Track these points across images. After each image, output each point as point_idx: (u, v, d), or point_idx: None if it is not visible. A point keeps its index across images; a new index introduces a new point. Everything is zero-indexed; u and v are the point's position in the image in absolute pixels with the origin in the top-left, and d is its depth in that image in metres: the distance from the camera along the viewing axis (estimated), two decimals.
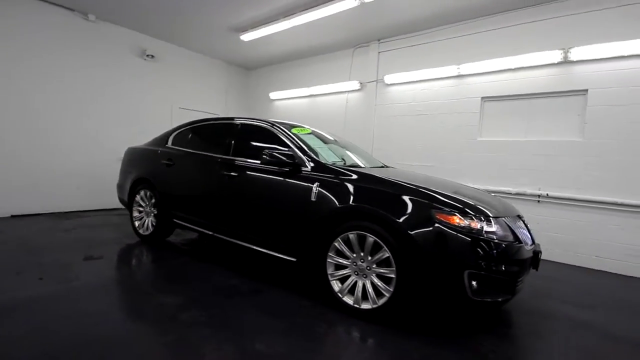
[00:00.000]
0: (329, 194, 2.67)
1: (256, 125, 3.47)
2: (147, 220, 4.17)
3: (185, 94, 7.37)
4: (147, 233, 4.13)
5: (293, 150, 3.01)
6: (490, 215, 2.30)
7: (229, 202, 3.30)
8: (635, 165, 3.90)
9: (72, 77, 5.74)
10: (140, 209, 4.26)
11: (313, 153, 3.00)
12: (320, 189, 2.72)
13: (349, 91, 6.56)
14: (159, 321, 2.27)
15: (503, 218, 2.39)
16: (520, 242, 2.37)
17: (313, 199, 2.72)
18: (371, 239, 2.42)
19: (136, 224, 4.28)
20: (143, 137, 6.59)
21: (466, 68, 5.01)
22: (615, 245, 3.99)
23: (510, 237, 2.33)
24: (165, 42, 6.90)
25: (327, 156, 3.13)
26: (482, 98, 4.97)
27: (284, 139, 3.18)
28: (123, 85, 6.35)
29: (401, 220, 2.31)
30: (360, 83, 6.30)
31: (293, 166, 2.91)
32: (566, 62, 4.26)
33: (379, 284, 2.40)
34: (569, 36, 4.20)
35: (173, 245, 4.16)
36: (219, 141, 3.65)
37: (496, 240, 2.22)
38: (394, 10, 5.01)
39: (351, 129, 6.42)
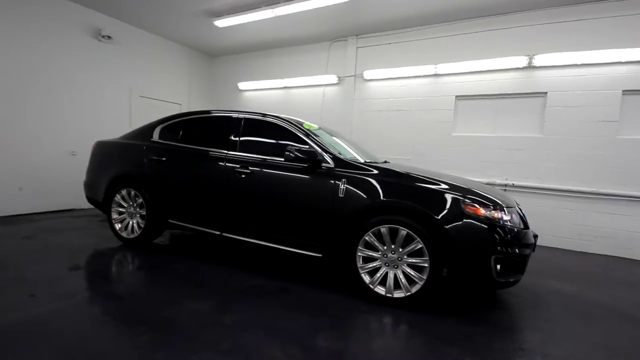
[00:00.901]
0: (357, 190, 2.74)
1: (266, 121, 3.36)
2: (131, 222, 3.81)
3: (146, 81, 6.73)
4: (132, 236, 3.77)
5: (312, 147, 3.01)
6: (504, 205, 2.58)
7: (243, 201, 3.18)
8: (585, 158, 4.61)
9: (6, 59, 4.87)
10: (122, 209, 3.86)
11: (331, 149, 3.03)
12: (347, 185, 2.77)
13: (326, 85, 6.60)
14: (205, 329, 2.15)
15: (513, 207, 2.70)
16: (527, 227, 2.71)
17: (341, 195, 2.77)
18: (404, 231, 2.56)
19: (117, 226, 3.88)
20: (99, 129, 5.93)
21: (442, 68, 5.38)
22: (568, 226, 4.71)
23: (521, 224, 2.65)
24: (124, 23, 6.19)
25: (342, 152, 3.18)
26: (456, 97, 5.40)
27: (300, 135, 3.15)
28: (73, 69, 5.58)
29: (436, 213, 2.48)
30: (339, 77, 6.38)
31: (314, 163, 2.92)
32: (530, 67, 4.84)
33: (413, 273, 2.56)
34: (534, 44, 4.76)
35: (163, 248, 3.87)
36: (221, 136, 3.47)
37: (513, 228, 2.51)
38: (375, 8, 5.15)
39: (328, 122, 6.48)
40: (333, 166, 2.90)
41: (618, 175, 4.43)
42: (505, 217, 2.52)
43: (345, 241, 2.76)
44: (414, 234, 2.53)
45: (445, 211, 2.49)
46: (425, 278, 2.51)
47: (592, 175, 4.57)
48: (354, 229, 2.72)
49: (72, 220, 5.00)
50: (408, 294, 2.57)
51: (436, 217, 2.47)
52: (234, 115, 3.54)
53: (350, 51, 6.25)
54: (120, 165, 3.87)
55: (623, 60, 4.31)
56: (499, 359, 2.01)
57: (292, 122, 3.27)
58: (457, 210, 2.47)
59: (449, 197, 2.53)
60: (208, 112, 3.77)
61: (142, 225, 3.71)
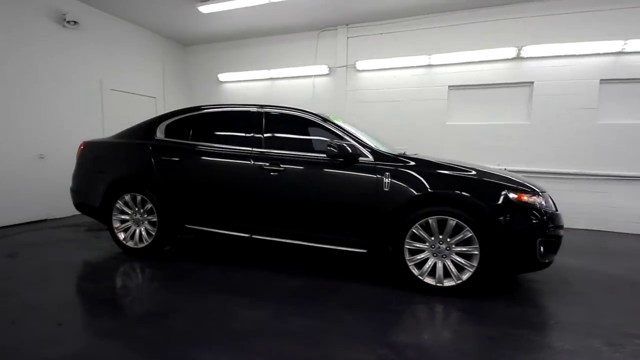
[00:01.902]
0: (401, 183, 2.73)
1: (291, 115, 3.21)
2: (137, 231, 3.46)
3: (118, 73, 6.09)
4: (140, 246, 3.44)
5: (349, 141, 2.93)
6: (540, 190, 2.73)
7: (276, 200, 3.02)
8: (568, 142, 5.03)
9: None
10: (125, 217, 3.50)
11: (368, 142, 2.98)
12: (392, 179, 2.75)
13: (315, 75, 6.46)
14: (284, 339, 2.03)
15: (546, 192, 2.86)
16: (557, 210, 2.89)
17: (386, 189, 2.74)
18: (452, 221, 2.60)
19: (120, 236, 3.51)
20: (70, 128, 5.30)
21: (435, 59, 5.52)
22: None
23: (554, 208, 2.82)
24: (91, 7, 5.51)
25: (375, 144, 3.14)
26: (449, 87, 5.58)
27: (332, 128, 3.05)
28: (37, 60, 4.88)
29: (485, 202, 2.55)
30: (329, 68, 6.28)
31: (352, 157, 2.85)
32: (518, 58, 5.13)
33: (463, 261, 2.62)
34: (522, 36, 5.04)
35: (174, 255, 3.59)
36: (242, 133, 3.26)
37: (550, 211, 2.67)
38: None
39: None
40: (372, 160, 2.86)
41: (598, 157, 4.90)
42: (543, 202, 2.66)
43: (392, 235, 2.75)
44: (463, 224, 2.59)
45: (493, 199, 2.57)
46: (475, 265, 2.59)
47: (575, 158, 5.01)
48: (401, 222, 2.72)
49: (52, 232, 4.44)
50: (459, 281, 2.63)
51: (486, 205, 2.55)
52: (253, 109, 3.33)
53: (341, 41, 6.16)
54: (122, 167, 3.49)
55: (601, 52, 4.73)
56: (565, 333, 2.15)
57: (320, 115, 3.15)
58: (504, 198, 2.56)
59: (494, 185, 2.61)
60: (221, 106, 3.51)
61: (153, 233, 3.39)
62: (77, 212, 5.29)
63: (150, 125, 3.59)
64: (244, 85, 7.11)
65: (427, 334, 2.18)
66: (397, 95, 5.89)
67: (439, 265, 2.69)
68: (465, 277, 2.63)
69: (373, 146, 2.94)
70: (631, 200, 4.68)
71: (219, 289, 2.75)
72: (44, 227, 4.67)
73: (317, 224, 2.94)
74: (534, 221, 2.55)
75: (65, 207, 5.21)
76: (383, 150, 2.96)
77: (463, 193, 2.60)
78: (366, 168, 2.83)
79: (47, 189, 5.04)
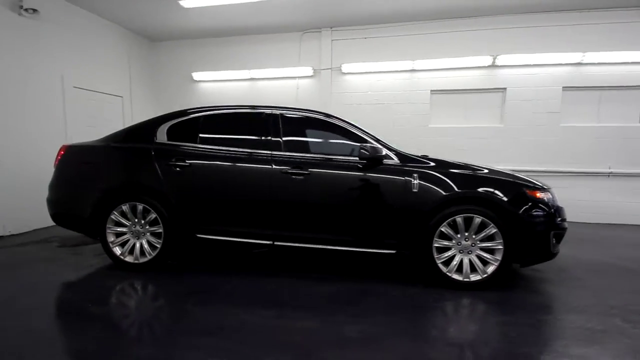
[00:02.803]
0: (429, 184, 2.81)
1: (309, 117, 3.16)
2: (137, 244, 3.13)
3: (81, 69, 5.46)
4: (142, 260, 3.12)
5: (374, 143, 2.95)
6: (547, 187, 2.99)
7: (301, 205, 2.93)
8: (537, 143, 5.56)
9: None
10: (122, 229, 3.14)
11: (391, 144, 3.03)
12: (420, 180, 2.82)
13: (299, 77, 6.39)
14: (344, 346, 1.98)
15: (551, 188, 3.13)
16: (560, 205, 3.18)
17: (415, 190, 2.80)
18: (478, 219, 2.74)
19: (117, 251, 3.15)
20: (29, 129, 4.65)
21: (418, 64, 5.77)
22: None
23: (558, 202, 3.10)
24: None
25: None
26: (431, 91, 5.87)
27: (354, 131, 3.05)
28: None
29: (508, 200, 2.73)
30: (314, 70, 6.24)
31: (378, 159, 2.88)
32: (493, 66, 5.56)
33: (488, 256, 2.77)
34: (497, 46, 5.47)
35: (178, 268, 3.31)
36: (258, 135, 3.13)
37: (558, 205, 2.93)
38: (350, 4, 5.19)
39: None
40: (398, 162, 2.91)
41: (562, 156, 5.48)
42: (551, 197, 2.92)
43: (421, 234, 2.81)
44: (488, 220, 2.74)
45: (513, 197, 2.75)
46: (500, 259, 2.75)
47: (543, 157, 5.55)
48: (429, 221, 2.80)
49: (17, 250, 3.85)
50: (485, 275, 2.78)
51: (508, 203, 2.72)
52: (267, 111, 3.21)
53: (325, 43, 6.17)
54: (118, 175, 3.14)
55: (563, 62, 5.32)
56: (588, 315, 2.37)
57: (339, 117, 3.13)
58: (523, 195, 2.77)
59: (513, 184, 2.81)
60: (229, 107, 3.32)
61: (158, 246, 3.09)
62: (38, 226, 4.74)
63: (149, 127, 3.28)
64: (222, 85, 6.79)
65: (475, 326, 2.29)
66: (382, 99, 6.05)
67: (465, 260, 2.82)
68: (490, 270, 2.78)
69: (397, 148, 3.00)
70: (593, 194, 5.32)
71: (251, 300, 2.59)
72: (3, 244, 4.01)
73: (345, 227, 2.92)
74: (547, 215, 2.78)
75: (25, 220, 4.58)
76: (406, 152, 3.02)
77: (488, 192, 2.76)
78: (393, 170, 2.87)
79: (1, 200, 4.34)
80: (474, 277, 2.80)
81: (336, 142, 3.14)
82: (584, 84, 5.34)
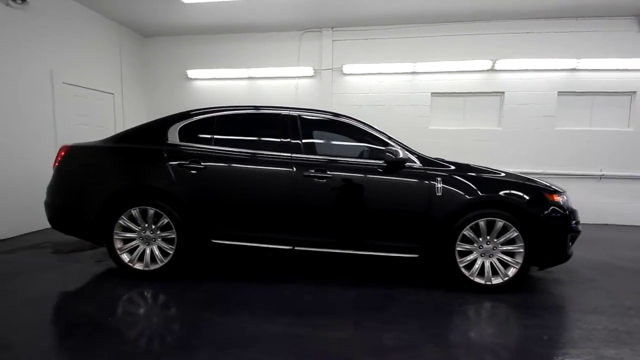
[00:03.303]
0: (453, 187, 2.81)
1: (330, 119, 3.11)
2: (147, 250, 2.98)
3: (71, 64, 5.16)
4: (153, 267, 2.97)
5: (394, 147, 2.92)
6: (562, 190, 3.06)
7: (323, 209, 2.87)
8: (533, 146, 5.71)
9: None
10: (131, 235, 2.98)
11: (412, 148, 3.01)
12: (443, 184, 2.81)
13: (299, 77, 6.29)
14: (389, 354, 1.93)
15: (565, 191, 3.19)
16: None
17: (439, 194, 2.80)
18: (500, 222, 2.77)
19: (125, 258, 2.98)
20: (17, 127, 4.32)
21: (420, 67, 5.81)
22: None
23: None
24: None
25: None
26: (432, 93, 5.93)
27: (376, 134, 3.03)
28: None
29: (530, 204, 2.76)
30: (314, 70, 6.17)
31: (400, 163, 2.86)
32: (492, 70, 5.67)
33: (509, 259, 2.81)
34: (496, 50, 5.58)
35: (186, 274, 3.18)
36: (276, 137, 3.04)
37: (572, 208, 3.00)
38: (351, 5, 5.18)
39: None
40: (421, 165, 2.90)
41: (557, 158, 5.66)
42: (567, 200, 2.98)
43: (444, 238, 2.81)
44: (510, 224, 2.77)
45: (535, 201, 2.80)
46: (521, 262, 2.79)
47: (539, 160, 5.72)
48: (452, 225, 2.80)
49: (9, 257, 3.60)
50: (506, 279, 2.81)
51: (530, 206, 2.76)
52: (284, 112, 3.13)
53: (326, 43, 6.11)
54: (127, 177, 2.97)
55: (559, 68, 5.49)
56: (609, 316, 2.44)
57: (358, 119, 3.10)
58: (543, 199, 2.82)
59: (534, 188, 2.85)
60: (244, 107, 3.22)
61: (171, 252, 2.94)
62: (25, 231, 4.44)
63: (159, 127, 3.12)
64: (218, 83, 6.60)
65: (507, 330, 2.31)
66: (383, 100, 6.06)
67: (487, 264, 2.84)
68: (511, 273, 2.81)
69: (418, 151, 2.99)
70: (585, 195, 5.52)
71: (273, 309, 2.50)
72: None
73: (368, 232, 2.88)
74: (564, 218, 2.84)
75: (12, 224, 4.30)
76: (427, 155, 3.02)
77: (510, 196, 2.79)
78: (417, 174, 2.86)
79: None
80: (496, 281, 2.83)
81: (356, 145, 3.09)
82: (578, 89, 5.53)
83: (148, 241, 2.99)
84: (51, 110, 4.85)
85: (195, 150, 2.99)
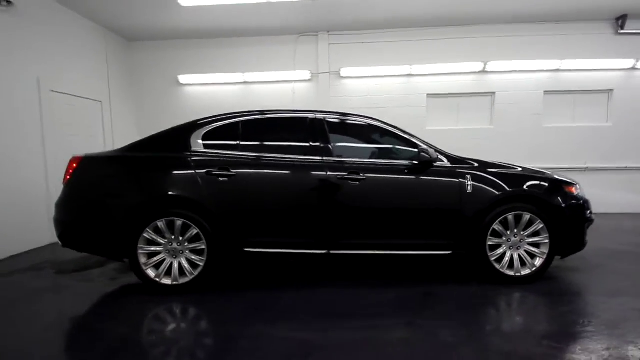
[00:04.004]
0: (482, 184, 2.91)
1: (356, 122, 3.15)
2: (176, 263, 2.84)
3: (58, 71, 4.85)
4: (182, 281, 2.83)
5: (424, 147, 2.99)
6: (576, 183, 3.23)
7: (359, 211, 2.87)
8: (523, 143, 6.03)
9: None
10: (156, 248, 2.83)
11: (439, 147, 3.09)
12: (473, 181, 2.90)
13: (295, 81, 6.27)
14: (453, 350, 1.95)
15: (578, 183, 3.37)
16: None
17: (469, 191, 2.88)
18: (527, 216, 2.90)
19: (151, 273, 2.82)
20: (1, 140, 3.97)
21: (416, 69, 5.97)
22: None
23: None
24: None
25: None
26: (428, 94, 6.11)
27: (403, 135, 3.11)
28: None
29: (553, 197, 2.91)
30: (312, 73, 6.17)
31: (430, 162, 2.93)
32: (484, 71, 5.94)
33: (535, 250, 2.94)
34: (487, 52, 5.85)
35: (223, 285, 3.07)
36: (304, 141, 3.03)
37: (586, 199, 3.18)
38: (347, 9, 5.26)
39: None
40: (450, 164, 2.98)
41: (545, 154, 6.00)
42: (581, 192, 3.16)
43: (475, 234, 2.89)
44: (536, 217, 2.90)
45: (556, 193, 2.95)
46: (546, 252, 2.93)
47: (530, 156, 6.02)
48: (482, 220, 2.89)
49: (6, 281, 3.28)
50: (534, 269, 2.93)
51: (553, 199, 2.91)
52: (310, 115, 3.11)
53: (323, 47, 6.13)
54: (152, 187, 2.83)
55: (544, 69, 5.84)
56: (633, 297, 2.61)
57: (383, 121, 3.14)
58: (563, 192, 2.98)
59: (553, 180, 3.01)
60: (268, 112, 3.17)
61: (201, 264, 2.82)
62: (15, 252, 4.11)
63: (180, 134, 3.00)
64: (212, 89, 6.43)
65: (550, 318, 2.42)
66: (381, 102, 6.16)
67: (515, 256, 2.95)
68: (538, 264, 2.95)
69: (446, 151, 3.06)
70: None
71: (325, 314, 2.47)
72: None
73: (403, 231, 2.91)
74: (581, 208, 3.02)
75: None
76: (453, 154, 3.10)
77: (535, 189, 2.92)
78: (447, 172, 2.93)
79: None
80: (524, 272, 2.94)
81: (385, 146, 3.13)
82: (562, 88, 5.92)
83: (175, 254, 2.84)
84: (38, 119, 4.51)
85: (224, 157, 2.89)
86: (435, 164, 2.95)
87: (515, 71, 5.90)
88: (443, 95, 6.14)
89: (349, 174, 2.86)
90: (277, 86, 6.34)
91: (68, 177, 2.90)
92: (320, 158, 2.92)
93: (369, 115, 3.23)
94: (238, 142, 2.99)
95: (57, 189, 4.64)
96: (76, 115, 5.19)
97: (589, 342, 2.04)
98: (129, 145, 3.06)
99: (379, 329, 2.25)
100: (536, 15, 5.56)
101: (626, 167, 5.82)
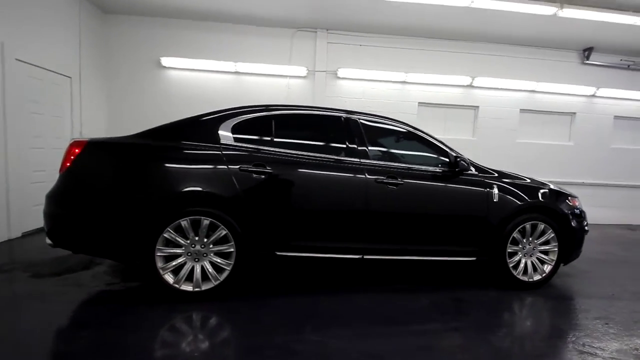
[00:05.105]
0: (506, 194, 3.06)
1: (390, 125, 3.19)
2: (198, 268, 2.56)
3: (24, 37, 4.12)
4: (206, 287, 2.56)
5: (459, 155, 3.07)
6: (576, 195, 3.54)
7: (396, 216, 2.84)
8: (500, 156, 6.47)
9: None
10: (176, 251, 2.52)
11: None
12: (498, 191, 3.04)
13: (291, 76, 6.07)
14: (509, 355, 2.01)
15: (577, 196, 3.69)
16: None
17: (495, 200, 3.01)
18: (542, 225, 3.11)
19: (169, 279, 2.51)
20: None
21: (410, 77, 6.13)
22: None
23: None
24: None
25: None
26: (419, 103, 6.31)
27: (436, 142, 3.19)
28: None
29: (563, 208, 3.16)
30: (308, 70, 6.02)
31: (461, 170, 3.01)
32: (471, 86, 6.29)
33: (546, 257, 3.16)
34: (475, 68, 6.21)
35: (244, 290, 2.85)
36: (339, 141, 2.97)
37: (583, 210, 3.50)
38: (346, 10, 5.28)
39: None
40: (477, 173, 3.09)
41: (518, 167, 6.50)
42: (580, 204, 3.48)
43: (496, 241, 3.03)
44: (548, 226, 3.12)
45: (565, 205, 3.21)
46: (554, 259, 3.17)
47: (505, 168, 6.52)
48: (503, 229, 3.03)
49: None
50: (544, 275, 3.16)
51: (562, 210, 3.16)
52: (344, 115, 3.03)
53: (321, 45, 6.02)
54: (177, 181, 2.51)
55: (521, 89, 6.37)
56: (625, 301, 2.94)
57: (419, 128, 3.17)
58: (568, 203, 3.25)
59: (561, 194, 3.27)
60: (299, 107, 3.03)
61: (228, 267, 2.57)
62: None
63: (208, 125, 2.71)
64: (201, 75, 5.95)
65: (576, 318, 2.63)
66: (375, 106, 6.20)
67: (529, 263, 3.16)
68: (547, 270, 3.18)
69: (474, 161, 3.17)
70: None
71: (370, 321, 2.40)
72: None
73: (434, 237, 2.94)
74: (582, 219, 3.32)
75: None
76: (478, 163, 3.22)
77: (549, 201, 3.15)
78: (476, 181, 3.03)
79: None
80: (536, 277, 3.16)
81: (418, 153, 3.16)
82: (535, 107, 6.50)
83: (198, 257, 2.56)
84: (0, 92, 3.79)
85: (259, 152, 2.67)
86: (465, 173, 3.04)
87: (498, 88, 6.35)
88: (433, 105, 6.39)
89: (387, 177, 2.82)
90: (271, 79, 6.08)
91: (68, 164, 2.47)
92: (358, 160, 2.84)
93: (400, 120, 3.23)
94: (271, 138, 2.79)
95: (17, 176, 3.99)
96: (44, 91, 4.46)
97: (621, 341, 2.24)
98: (143, 132, 2.70)
99: (432, 335, 2.25)
100: (517, 39, 6.04)
101: (583, 182, 6.57)
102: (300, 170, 2.73)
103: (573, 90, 6.43)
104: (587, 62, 6.35)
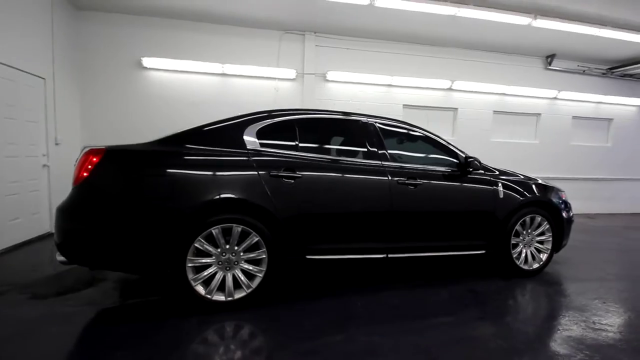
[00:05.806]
0: (509, 191, 3.32)
1: (404, 128, 3.36)
2: (229, 276, 2.50)
3: None
4: (238, 296, 2.51)
5: (470, 156, 3.27)
6: (563, 190, 3.91)
7: (416, 215, 2.98)
8: (477, 154, 6.88)
9: None
10: (207, 260, 2.45)
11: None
12: (503, 188, 3.28)
13: (279, 79, 6.03)
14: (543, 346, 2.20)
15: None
16: None
17: (501, 196, 3.25)
18: (538, 218, 3.41)
19: (200, 290, 2.43)
20: None
21: (396, 80, 6.36)
22: None
23: None
24: None
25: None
26: (404, 105, 6.57)
27: (446, 144, 3.36)
28: None
29: (556, 202, 3.49)
30: (297, 73, 6.02)
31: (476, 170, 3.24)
32: (450, 89, 6.67)
33: (541, 247, 3.48)
34: (454, 73, 6.59)
35: (255, 302, 2.82)
36: (359, 145, 3.06)
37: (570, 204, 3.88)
38: (336, 12, 5.37)
39: None
40: (484, 171, 3.31)
41: (494, 164, 7.00)
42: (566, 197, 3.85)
43: (501, 234, 3.28)
44: (544, 219, 3.43)
45: (558, 198, 3.55)
46: (550, 249, 3.49)
47: None
48: (509, 222, 3.29)
49: None
50: (541, 263, 3.47)
51: (557, 203, 3.49)
52: (362, 119, 3.13)
53: (309, 48, 6.05)
54: (207, 189, 2.44)
55: (494, 92, 6.87)
56: (625, 283, 3.31)
57: (429, 130, 3.34)
58: (560, 197, 3.59)
59: (551, 188, 3.60)
60: (318, 112, 3.09)
61: (260, 275, 2.55)
62: None
63: (232, 130, 2.65)
64: (185, 77, 5.72)
65: (583, 301, 2.88)
66: (363, 109, 6.34)
67: (528, 253, 3.45)
68: (544, 258, 3.49)
69: (479, 159, 3.39)
70: None
71: (402, 317, 2.51)
72: None
73: (450, 233, 3.12)
74: (569, 211, 3.69)
75: None
76: (483, 162, 3.45)
77: (546, 196, 3.46)
78: (483, 179, 3.26)
79: None
80: (535, 266, 3.46)
81: (430, 154, 3.31)
82: (506, 109, 7.05)
83: (229, 265, 2.50)
84: None
85: (287, 157, 2.66)
86: (473, 171, 3.25)
87: (474, 92, 6.79)
88: (416, 107, 6.68)
89: (408, 178, 2.94)
90: (258, 82, 6.00)
91: (85, 174, 2.29)
92: (379, 162, 2.93)
93: (411, 123, 3.37)
94: (296, 142, 2.79)
95: None
96: (17, 93, 4.05)
97: (622, 317, 2.54)
98: (161, 139, 2.58)
99: (464, 326, 2.39)
100: (491, 45, 6.52)
101: (547, 177, 7.20)
102: (328, 174, 2.76)
103: (538, 93, 7.06)
104: (550, 67, 7.01)
